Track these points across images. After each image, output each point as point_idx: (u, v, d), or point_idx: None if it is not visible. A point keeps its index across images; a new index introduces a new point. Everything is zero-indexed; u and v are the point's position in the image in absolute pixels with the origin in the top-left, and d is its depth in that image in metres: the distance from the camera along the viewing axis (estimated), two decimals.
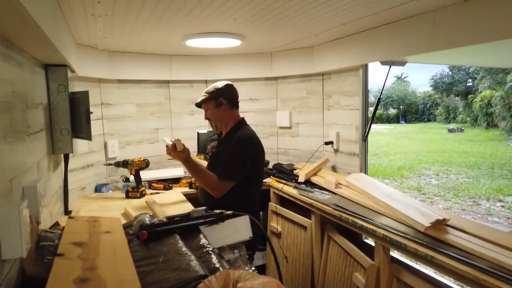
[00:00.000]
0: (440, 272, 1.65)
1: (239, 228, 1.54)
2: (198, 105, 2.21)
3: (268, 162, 3.25)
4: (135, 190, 2.68)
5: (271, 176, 3.07)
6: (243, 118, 2.24)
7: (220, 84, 2.17)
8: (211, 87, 2.19)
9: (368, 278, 1.94)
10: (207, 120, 2.24)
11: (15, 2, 0.82)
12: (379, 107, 3.67)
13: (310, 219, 2.52)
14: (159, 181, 2.95)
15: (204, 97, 2.17)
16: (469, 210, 6.62)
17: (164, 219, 1.47)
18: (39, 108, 1.68)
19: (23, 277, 1.14)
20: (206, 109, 2.20)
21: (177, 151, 2.03)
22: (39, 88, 1.73)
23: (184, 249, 1.25)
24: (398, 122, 34.86)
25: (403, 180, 9.17)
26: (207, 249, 1.29)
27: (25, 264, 1.14)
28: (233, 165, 2.04)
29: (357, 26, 2.29)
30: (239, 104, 2.25)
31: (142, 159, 2.71)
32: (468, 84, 31.29)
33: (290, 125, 3.42)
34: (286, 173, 3.04)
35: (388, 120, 35.56)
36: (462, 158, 12.11)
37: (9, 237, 0.98)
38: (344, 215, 2.11)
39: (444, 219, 1.75)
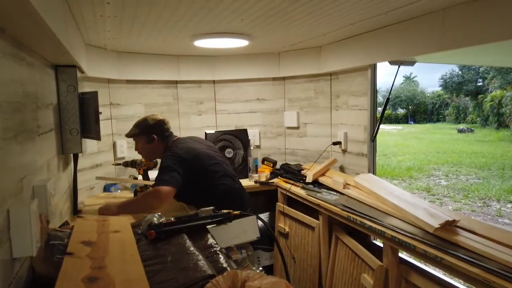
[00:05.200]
0: (450, 274, 1.63)
1: (246, 228, 1.54)
2: (128, 136, 2.36)
3: (275, 162, 3.25)
4: (143, 190, 2.69)
5: (279, 176, 3.06)
6: (173, 141, 2.32)
7: (151, 120, 2.30)
8: (142, 121, 2.32)
9: (376, 279, 1.93)
10: (137, 151, 2.40)
11: (25, 3, 0.83)
12: (387, 107, 3.64)
13: (318, 219, 2.51)
14: None
15: (134, 132, 2.31)
16: (479, 211, 6.54)
17: (172, 219, 1.48)
18: (49, 108, 1.70)
19: (33, 276, 1.15)
20: (136, 142, 2.36)
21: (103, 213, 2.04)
22: (49, 88, 1.75)
23: (192, 248, 1.26)
24: (406, 122, 34.56)
25: (412, 180, 9.09)
26: (214, 249, 1.29)
27: (35, 263, 1.15)
28: (161, 174, 2.08)
29: (366, 25, 2.28)
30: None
31: None
32: (478, 84, 30.86)
33: (297, 125, 3.41)
34: (293, 173, 3.03)
35: (397, 120, 35.26)
36: (472, 158, 11.96)
37: (19, 235, 0.99)
38: (352, 215, 2.10)
39: (454, 220, 1.73)
